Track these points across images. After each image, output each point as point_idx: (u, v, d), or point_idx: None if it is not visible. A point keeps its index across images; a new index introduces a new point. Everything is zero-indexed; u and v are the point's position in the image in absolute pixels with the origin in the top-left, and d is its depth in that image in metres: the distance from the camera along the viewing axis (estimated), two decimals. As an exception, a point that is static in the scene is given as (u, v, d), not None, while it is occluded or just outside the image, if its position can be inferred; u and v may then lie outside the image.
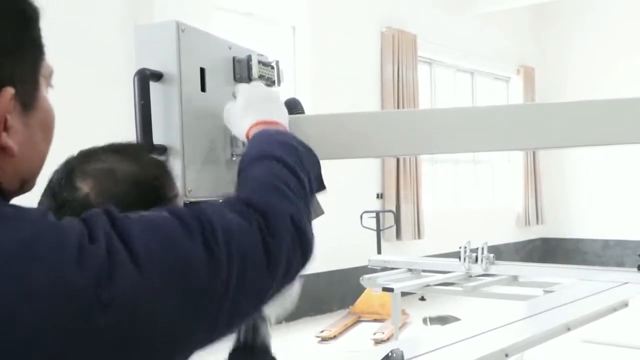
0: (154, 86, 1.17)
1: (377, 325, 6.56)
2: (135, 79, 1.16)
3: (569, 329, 3.06)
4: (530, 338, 2.79)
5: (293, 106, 1.27)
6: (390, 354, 1.90)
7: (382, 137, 1.20)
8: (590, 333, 2.92)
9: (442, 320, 5.58)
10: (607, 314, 3.42)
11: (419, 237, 8.43)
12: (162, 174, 1.04)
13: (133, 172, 1.00)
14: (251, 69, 1.29)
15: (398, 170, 8.23)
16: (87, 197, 0.96)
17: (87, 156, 1.02)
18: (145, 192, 0.98)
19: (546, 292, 3.74)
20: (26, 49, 0.77)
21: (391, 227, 7.88)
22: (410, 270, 4.67)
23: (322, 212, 1.35)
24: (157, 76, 1.18)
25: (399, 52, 8.20)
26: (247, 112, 1.15)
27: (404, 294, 4.76)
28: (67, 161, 1.01)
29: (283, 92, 1.26)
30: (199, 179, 1.20)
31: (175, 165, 1.15)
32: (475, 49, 9.63)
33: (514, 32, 10.50)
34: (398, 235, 8.22)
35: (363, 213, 7.26)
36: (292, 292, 1.15)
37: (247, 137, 1.12)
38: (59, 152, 0.99)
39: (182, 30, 1.18)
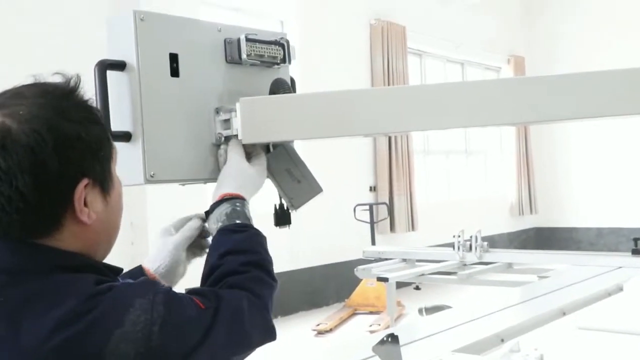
0: (119, 75, 1.22)
1: (373, 317, 6.56)
2: (95, 69, 1.20)
3: (564, 314, 3.05)
4: (525, 322, 2.78)
5: (279, 87, 1.26)
6: (385, 339, 1.88)
7: (370, 114, 1.18)
8: (586, 319, 2.91)
9: (437, 309, 5.56)
10: (602, 298, 3.41)
11: (413, 229, 8.43)
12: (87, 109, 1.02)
13: (44, 94, 0.97)
14: (241, 49, 1.28)
15: (390, 162, 8.22)
16: (2, 126, 0.91)
17: None
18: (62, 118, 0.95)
19: (541, 277, 3.74)
20: (103, 145, 0.99)
21: (385, 219, 7.87)
22: (404, 260, 4.66)
23: (320, 190, 1.35)
24: (121, 66, 1.21)
25: (388, 44, 8.18)
26: (221, 184, 1.28)
27: (399, 285, 4.75)
28: None
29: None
30: (165, 164, 1.24)
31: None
32: (465, 40, 9.62)
33: (504, 22, 10.49)
34: (392, 227, 8.22)
35: (356, 206, 7.25)
36: None
37: (218, 199, 1.25)
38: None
39: (141, 19, 1.21)
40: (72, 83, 0.98)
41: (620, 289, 3.55)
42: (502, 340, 2.56)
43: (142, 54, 1.19)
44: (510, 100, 1.23)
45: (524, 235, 10.78)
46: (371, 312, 6.75)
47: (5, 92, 0.97)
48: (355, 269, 4.46)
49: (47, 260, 0.93)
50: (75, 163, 0.94)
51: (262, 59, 1.32)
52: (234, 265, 1.12)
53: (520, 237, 10.68)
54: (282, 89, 1.26)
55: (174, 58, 1.23)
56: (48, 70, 0.99)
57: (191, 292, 1.02)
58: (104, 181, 0.99)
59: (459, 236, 4.38)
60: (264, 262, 1.17)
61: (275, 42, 1.34)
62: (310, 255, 7.00)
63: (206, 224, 1.28)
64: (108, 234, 1.02)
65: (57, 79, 0.99)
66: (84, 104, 0.98)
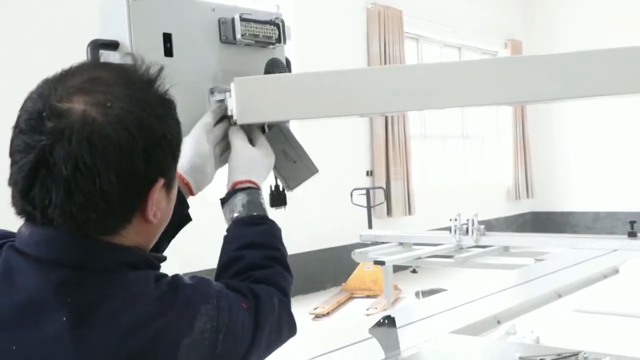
0: (112, 55, 1.20)
1: (370, 301, 6.58)
2: (88, 49, 1.18)
3: (560, 296, 3.06)
4: (521, 305, 2.79)
5: (275, 67, 1.25)
6: (382, 321, 1.88)
7: (367, 93, 1.17)
8: (582, 302, 2.92)
9: (434, 293, 5.59)
10: (598, 280, 3.42)
11: (410, 213, 8.44)
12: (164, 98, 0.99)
13: (127, 77, 0.93)
14: (235, 29, 1.27)
15: (387, 147, 8.21)
16: (86, 116, 0.85)
17: (60, 79, 0.90)
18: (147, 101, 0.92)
19: (537, 260, 3.75)
20: (180, 144, 0.97)
21: (381, 203, 7.87)
22: (401, 244, 4.67)
23: (316, 171, 1.34)
24: (114, 45, 1.20)
25: (385, 29, 8.15)
26: (233, 171, 1.26)
27: (395, 268, 4.76)
28: (30, 98, 0.90)
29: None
30: None
31: None
32: (462, 24, 9.58)
33: (501, 6, 10.45)
34: (389, 211, 8.22)
35: (353, 190, 7.25)
36: None
37: (231, 188, 1.24)
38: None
39: None
40: (153, 71, 0.94)
41: (616, 271, 3.56)
42: (499, 322, 2.56)
43: (135, 33, 1.18)
44: (507, 79, 1.22)
45: (520, 219, 10.80)
46: (368, 296, 6.77)
47: (77, 72, 0.91)
48: (352, 253, 4.47)
49: (115, 258, 0.90)
50: (158, 164, 0.92)
51: (256, 39, 1.31)
52: (255, 259, 1.11)
53: (517, 222, 10.69)
54: (277, 68, 1.25)
55: (167, 38, 1.22)
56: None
57: (227, 287, 1.00)
58: (172, 179, 0.97)
59: (456, 220, 4.39)
60: (283, 257, 1.17)
61: (270, 22, 1.33)
62: (307, 239, 7.01)
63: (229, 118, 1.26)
64: (162, 228, 1.00)
65: (126, 60, 0.95)
66: (165, 97, 0.95)
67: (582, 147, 10.50)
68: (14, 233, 0.97)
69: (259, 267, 1.10)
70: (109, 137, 0.85)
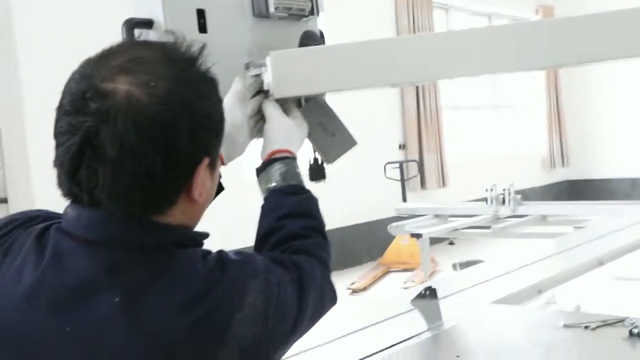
0: (147, 34, 1.20)
1: (406, 274, 6.57)
2: (123, 28, 1.18)
3: (601, 264, 3.03)
4: (561, 274, 2.76)
5: (310, 39, 1.24)
6: (423, 292, 1.88)
7: (404, 62, 1.16)
8: (623, 269, 2.88)
9: (471, 264, 5.56)
10: (638, 247, 3.37)
11: (444, 186, 8.39)
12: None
13: (170, 56, 0.92)
14: (268, 2, 1.25)
15: (419, 119, 8.15)
16: (130, 96, 0.84)
17: (103, 58, 0.89)
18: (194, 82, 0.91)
19: (576, 228, 3.70)
20: (223, 123, 0.97)
21: (415, 176, 7.84)
22: (437, 216, 4.65)
23: (354, 143, 1.33)
24: (148, 24, 1.20)
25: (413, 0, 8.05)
26: (268, 141, 1.25)
27: (432, 241, 4.74)
28: (73, 79, 0.89)
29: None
30: None
31: None
32: (492, -9, 9.42)
33: (531, -29, 10.24)
34: (422, 184, 8.19)
35: (387, 164, 7.22)
36: None
37: (268, 157, 1.23)
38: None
39: None
40: (194, 49, 0.93)
41: (657, 238, 3.51)
42: (540, 292, 2.54)
43: (168, 10, 1.17)
44: (537, 42, 1.19)
45: (556, 188, 10.67)
46: (405, 270, 6.76)
47: (119, 51, 0.90)
48: (388, 226, 4.46)
49: (163, 237, 0.91)
50: (203, 143, 0.91)
51: (290, 12, 1.30)
52: (295, 229, 1.10)
53: (553, 190, 10.56)
54: (312, 41, 1.24)
55: (201, 14, 1.21)
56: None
57: (271, 259, 1.00)
58: (216, 159, 0.97)
59: (492, 190, 4.35)
60: (322, 227, 1.16)
61: None
62: (341, 214, 7.00)
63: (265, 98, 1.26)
64: (206, 207, 0.99)
65: (165, 38, 0.94)
66: (207, 76, 0.94)
67: (617, 113, 10.29)
68: (59, 214, 0.98)
69: (299, 237, 1.10)
70: (153, 117, 0.85)
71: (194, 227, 0.98)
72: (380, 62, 1.17)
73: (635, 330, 1.71)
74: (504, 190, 4.26)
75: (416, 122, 8.12)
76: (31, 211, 1.00)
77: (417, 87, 7.87)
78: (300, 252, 1.07)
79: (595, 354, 1.67)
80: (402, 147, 8.16)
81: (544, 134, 10.47)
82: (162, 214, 0.91)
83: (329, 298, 1.09)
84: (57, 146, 0.88)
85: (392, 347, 1.79)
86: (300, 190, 1.18)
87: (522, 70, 1.22)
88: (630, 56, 1.24)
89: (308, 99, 1.33)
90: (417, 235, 4.11)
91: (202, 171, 0.92)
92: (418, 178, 8.01)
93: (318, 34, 1.35)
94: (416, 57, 1.15)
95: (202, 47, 0.94)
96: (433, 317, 1.91)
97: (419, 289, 1.90)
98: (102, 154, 0.84)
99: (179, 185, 0.90)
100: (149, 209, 0.89)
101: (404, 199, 7.06)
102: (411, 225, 4.42)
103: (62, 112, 0.87)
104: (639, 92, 9.95)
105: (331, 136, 1.34)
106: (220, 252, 0.94)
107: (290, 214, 1.13)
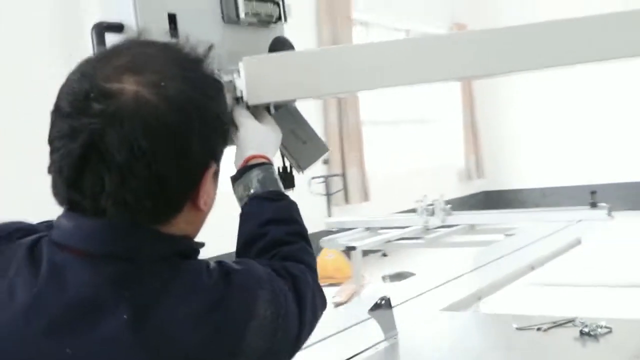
0: (118, 39, 1.14)
1: (334, 289, 6.58)
2: (92, 32, 1.15)
3: (533, 268, 3.14)
4: (499, 280, 2.84)
5: (283, 44, 1.23)
6: (379, 302, 1.88)
7: (376, 67, 1.16)
8: (553, 275, 2.99)
9: (400, 276, 5.63)
10: (565, 251, 3.52)
11: (367, 200, 8.47)
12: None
13: (180, 53, 0.87)
14: (238, 8, 1.23)
15: (341, 134, 8.22)
16: (139, 97, 0.79)
17: (105, 57, 0.84)
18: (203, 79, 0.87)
19: (507, 236, 3.81)
20: (227, 129, 0.93)
21: (339, 191, 7.89)
22: (367, 229, 4.68)
23: (326, 149, 1.32)
24: (119, 28, 1.16)
25: (334, 14, 8.15)
26: (243, 147, 1.21)
27: (363, 253, 4.77)
28: (73, 79, 0.83)
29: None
30: None
31: None
32: (408, 7, 9.64)
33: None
34: (346, 199, 8.24)
35: (312, 179, 7.23)
36: None
37: (244, 164, 1.20)
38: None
39: None
40: (201, 51, 0.90)
41: (579, 242, 3.68)
42: (479, 299, 2.60)
43: (140, 14, 1.14)
44: (449, 55, 1.21)
45: (473, 199, 10.96)
46: (331, 284, 6.76)
47: (122, 50, 0.85)
48: (320, 240, 4.45)
49: (168, 248, 0.85)
50: (211, 147, 0.87)
51: (259, 18, 1.28)
52: (279, 235, 1.07)
53: (470, 202, 10.85)
54: (285, 46, 1.22)
55: (172, 18, 1.18)
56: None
57: (269, 267, 0.96)
58: (219, 166, 0.92)
59: (422, 201, 4.42)
60: (305, 232, 1.14)
61: (271, 0, 1.30)
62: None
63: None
64: (206, 217, 0.95)
65: (164, 38, 0.89)
66: (214, 78, 0.90)
67: (526, 127, 10.71)
68: (38, 225, 0.92)
69: (285, 243, 1.07)
70: (164, 119, 0.80)
71: (195, 237, 0.93)
72: (358, 67, 1.16)
73: (586, 330, 1.77)
74: (433, 201, 4.34)
75: (339, 137, 8.19)
76: (8, 223, 0.92)
77: (339, 102, 7.95)
78: (288, 258, 1.04)
79: (553, 354, 1.71)
80: (326, 162, 8.20)
81: (461, 147, 10.76)
82: (167, 223, 0.86)
83: (320, 303, 1.06)
84: (53, 151, 0.82)
85: (353, 358, 1.78)
86: (280, 196, 1.16)
87: (435, 81, 1.23)
88: (539, 68, 1.28)
89: (279, 106, 1.31)
90: (352, 248, 4.12)
91: (209, 178, 0.88)
92: (342, 193, 8.06)
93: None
94: (396, 62, 1.15)
95: (210, 48, 0.90)
96: (389, 327, 1.91)
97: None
98: (108, 159, 0.78)
99: (187, 192, 0.86)
100: (156, 217, 0.84)
101: (329, 214, 7.09)
102: (344, 239, 4.43)
103: (60, 114, 0.81)
104: (547, 107, 10.39)
105: (302, 143, 1.32)
106: (221, 263, 0.90)
107: (272, 220, 1.10)
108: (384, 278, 5.84)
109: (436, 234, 4.16)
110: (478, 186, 11.12)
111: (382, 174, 9.01)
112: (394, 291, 2.68)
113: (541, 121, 10.52)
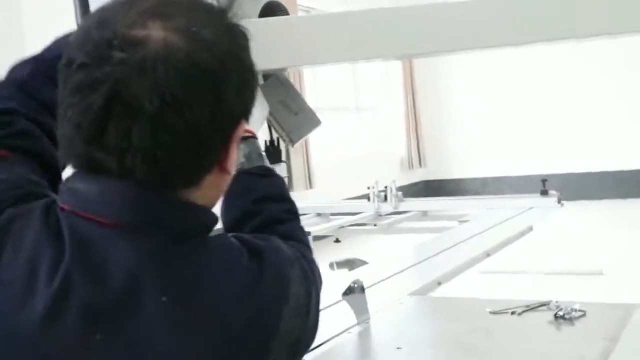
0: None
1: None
2: None
3: (488, 255, 3.15)
4: (458, 267, 2.83)
5: (276, 9, 1.15)
6: (352, 285, 1.84)
7: (385, 34, 1.09)
8: (509, 261, 3.01)
9: (349, 263, 5.58)
10: (517, 239, 3.55)
11: (311, 187, 8.44)
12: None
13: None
14: None
15: (286, 120, 8.16)
16: (168, 43, 0.71)
17: (125, 4, 0.75)
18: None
19: (461, 222, 3.82)
20: (256, 84, 0.84)
21: (285, 177, 7.81)
22: (318, 214, 4.62)
23: (319, 122, 1.25)
24: None
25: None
26: None
27: (314, 239, 4.71)
28: (88, 27, 0.74)
29: None
30: None
31: None
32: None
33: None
34: (290, 186, 8.18)
35: (256, 165, 7.15)
36: None
37: None
38: None
39: None
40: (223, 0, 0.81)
41: (531, 229, 3.73)
42: (439, 284, 2.59)
43: None
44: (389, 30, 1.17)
45: (414, 188, 11.04)
46: (277, 271, 6.70)
47: None
48: (271, 226, 4.37)
49: (197, 218, 0.78)
50: (244, 100, 0.80)
51: None
52: (275, 213, 1.02)
53: (411, 190, 10.91)
54: (280, 11, 1.14)
55: None
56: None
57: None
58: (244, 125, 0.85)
59: (374, 187, 4.40)
60: (297, 209, 1.09)
61: None
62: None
63: None
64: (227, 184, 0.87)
65: None
66: (242, 29, 0.82)
67: (467, 117, 10.85)
68: (40, 182, 0.81)
69: (282, 221, 1.01)
70: (199, 65, 0.72)
71: (213, 208, 0.85)
72: (358, 34, 1.09)
73: (560, 313, 1.76)
74: (385, 187, 4.32)
75: (283, 123, 8.13)
76: (21, 180, 0.80)
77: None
78: (288, 237, 0.97)
79: (530, 337, 1.70)
80: (270, 148, 8.12)
81: (402, 136, 10.82)
82: (197, 186, 0.78)
83: (320, 281, 1.01)
84: (67, 109, 0.72)
85: (327, 343, 1.72)
86: (268, 172, 1.10)
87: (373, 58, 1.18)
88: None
89: (267, 75, 1.23)
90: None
91: (237, 138, 0.80)
92: (286, 180, 7.99)
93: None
94: (411, 29, 1.08)
95: (233, 0, 0.81)
96: (361, 311, 1.87)
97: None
98: (136, 109, 0.70)
99: (218, 149, 0.78)
100: (187, 178, 0.76)
101: (275, 200, 7.01)
102: (295, 224, 4.36)
103: (75, 66, 0.71)
104: (490, 96, 10.55)
105: (294, 115, 1.25)
106: (241, 237, 0.84)
107: (266, 197, 1.04)
108: (331, 265, 5.77)
109: (389, 220, 4.14)
110: (419, 175, 11.22)
111: (326, 161, 8.99)
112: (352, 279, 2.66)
113: (483, 110, 10.66)
